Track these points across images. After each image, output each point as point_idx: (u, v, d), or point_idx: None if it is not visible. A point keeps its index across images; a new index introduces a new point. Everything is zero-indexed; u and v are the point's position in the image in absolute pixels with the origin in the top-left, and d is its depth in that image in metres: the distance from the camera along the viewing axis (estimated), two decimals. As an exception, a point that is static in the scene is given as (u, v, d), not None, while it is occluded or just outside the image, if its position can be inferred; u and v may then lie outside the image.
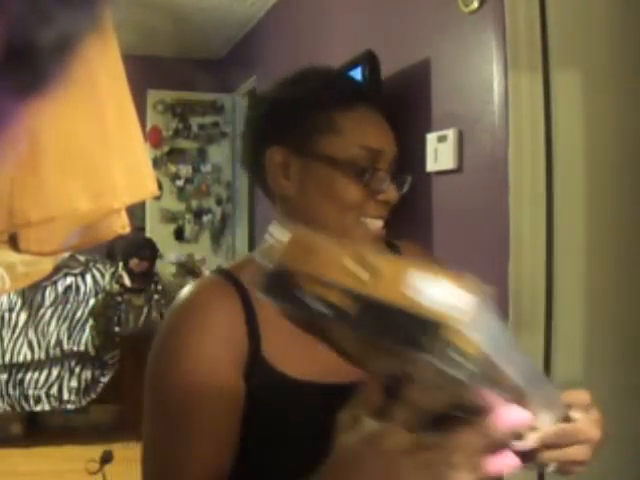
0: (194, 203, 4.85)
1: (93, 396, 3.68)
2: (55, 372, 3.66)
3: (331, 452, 0.54)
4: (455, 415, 0.52)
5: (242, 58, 4.47)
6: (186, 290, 0.84)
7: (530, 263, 1.69)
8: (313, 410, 0.76)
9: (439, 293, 0.45)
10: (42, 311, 3.70)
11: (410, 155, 2.15)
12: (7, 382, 3.60)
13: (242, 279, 0.83)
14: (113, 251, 4.04)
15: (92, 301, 3.76)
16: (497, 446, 0.51)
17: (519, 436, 0.57)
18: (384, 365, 0.54)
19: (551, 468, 0.64)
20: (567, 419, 0.63)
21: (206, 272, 4.07)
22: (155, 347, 0.82)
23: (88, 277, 3.83)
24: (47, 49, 0.22)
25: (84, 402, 3.66)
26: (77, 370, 3.69)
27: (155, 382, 0.81)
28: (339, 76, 1.01)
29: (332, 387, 0.76)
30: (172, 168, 4.80)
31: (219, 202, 4.88)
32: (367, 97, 0.91)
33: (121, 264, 3.91)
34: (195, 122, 4.85)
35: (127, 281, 3.85)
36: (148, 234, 4.56)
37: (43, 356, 3.61)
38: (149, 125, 4.69)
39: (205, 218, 4.87)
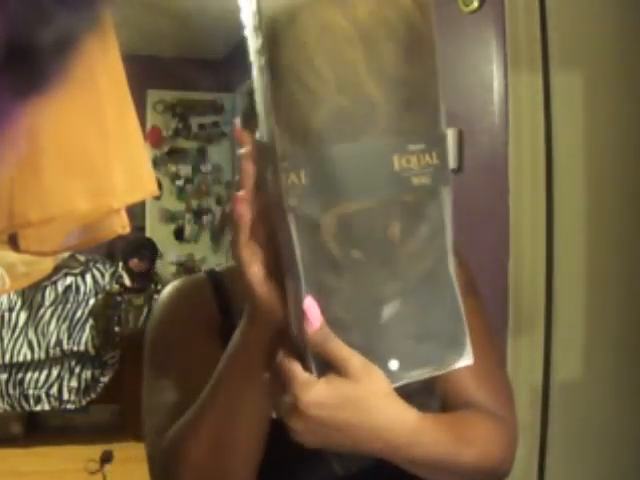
0: (194, 203, 4.85)
1: (93, 396, 3.68)
2: (55, 372, 3.66)
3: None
4: None
5: (242, 58, 4.46)
6: (168, 287, 0.96)
7: (530, 263, 1.69)
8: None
9: None
10: (42, 311, 3.70)
11: (410, 155, 2.15)
12: (7, 382, 3.60)
13: (226, 279, 0.92)
14: (113, 251, 4.04)
15: (92, 301, 3.76)
16: None
17: None
18: None
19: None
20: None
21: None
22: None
23: (88, 277, 3.83)
24: (47, 49, 0.22)
25: (84, 402, 3.66)
26: (77, 370, 3.69)
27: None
28: None
29: None
30: (172, 168, 4.80)
31: (219, 202, 4.88)
32: None
33: (121, 264, 3.91)
34: (195, 122, 4.84)
35: (127, 281, 3.85)
36: (148, 234, 4.56)
37: (43, 356, 3.61)
38: (149, 125, 4.68)
39: (205, 218, 4.86)
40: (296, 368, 0.60)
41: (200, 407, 0.74)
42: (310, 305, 0.58)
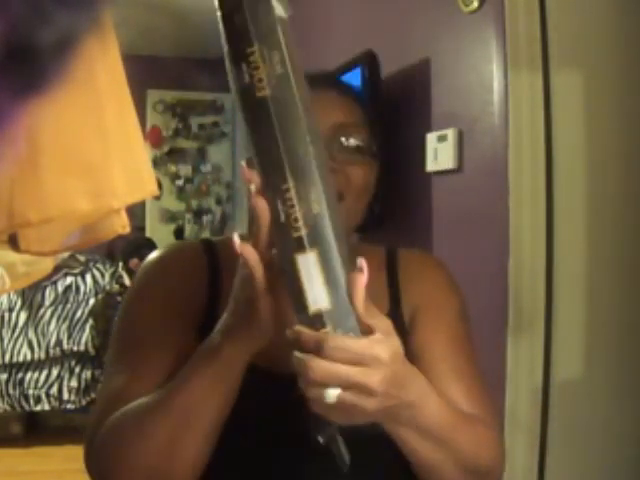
0: (194, 203, 4.85)
1: (93, 396, 3.67)
2: (55, 372, 3.66)
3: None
4: None
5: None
6: (160, 250, 0.94)
7: (530, 263, 1.69)
8: (250, 393, 0.77)
9: None
10: (42, 311, 3.69)
11: (410, 155, 2.15)
12: (7, 382, 3.60)
13: (219, 249, 0.91)
14: (113, 251, 4.04)
15: (92, 301, 3.76)
16: None
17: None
18: None
19: (331, 399, 0.59)
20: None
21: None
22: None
23: (88, 277, 3.83)
24: (47, 49, 0.22)
25: (84, 402, 3.66)
26: (77, 370, 3.69)
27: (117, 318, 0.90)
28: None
29: (276, 375, 0.77)
30: (172, 168, 4.80)
31: (219, 202, 4.88)
32: (328, 81, 0.92)
33: (121, 264, 3.91)
34: (195, 122, 4.85)
35: (127, 281, 3.85)
36: (148, 234, 4.56)
37: (43, 356, 3.61)
38: (149, 125, 4.69)
39: (205, 218, 4.86)
40: (354, 339, 0.60)
41: (154, 407, 0.73)
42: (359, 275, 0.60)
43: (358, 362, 0.58)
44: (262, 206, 0.60)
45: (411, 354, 0.68)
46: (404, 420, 0.68)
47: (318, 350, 0.58)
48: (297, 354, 0.59)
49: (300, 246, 0.59)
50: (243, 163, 0.62)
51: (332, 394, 0.58)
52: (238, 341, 0.67)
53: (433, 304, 0.91)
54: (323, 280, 0.59)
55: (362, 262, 0.60)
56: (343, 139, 0.83)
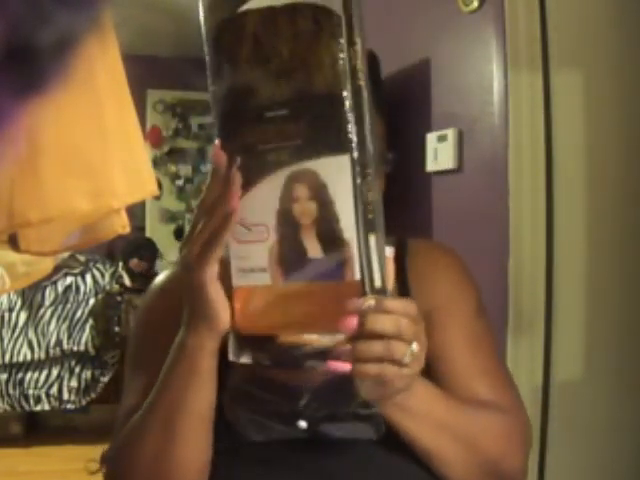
0: (194, 203, 4.85)
1: (93, 396, 3.68)
2: (55, 372, 3.66)
3: None
4: None
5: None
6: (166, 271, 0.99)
7: (530, 263, 1.69)
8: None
9: None
10: (42, 311, 3.69)
11: (410, 155, 2.15)
12: (7, 382, 3.60)
13: None
14: (113, 251, 4.04)
15: (92, 301, 3.76)
16: None
17: None
18: None
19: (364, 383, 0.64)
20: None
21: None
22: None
23: (88, 277, 3.83)
24: (47, 49, 0.22)
25: (84, 402, 3.66)
26: (77, 370, 3.69)
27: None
28: None
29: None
30: (172, 168, 4.80)
31: (219, 202, 4.88)
32: None
33: (121, 264, 3.91)
34: (195, 122, 4.85)
35: (127, 281, 3.85)
36: (148, 234, 4.56)
37: (43, 356, 3.61)
38: (149, 125, 4.69)
39: (205, 218, 4.86)
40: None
41: (149, 405, 0.76)
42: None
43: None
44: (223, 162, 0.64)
45: (428, 353, 0.69)
46: (399, 401, 0.70)
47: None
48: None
49: (372, 227, 0.63)
50: (216, 142, 0.66)
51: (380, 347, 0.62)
52: (199, 333, 0.70)
53: (447, 303, 0.89)
54: (379, 261, 0.63)
55: (391, 251, 0.64)
56: None
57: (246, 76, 0.67)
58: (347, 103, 0.61)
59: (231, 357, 0.69)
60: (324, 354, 0.64)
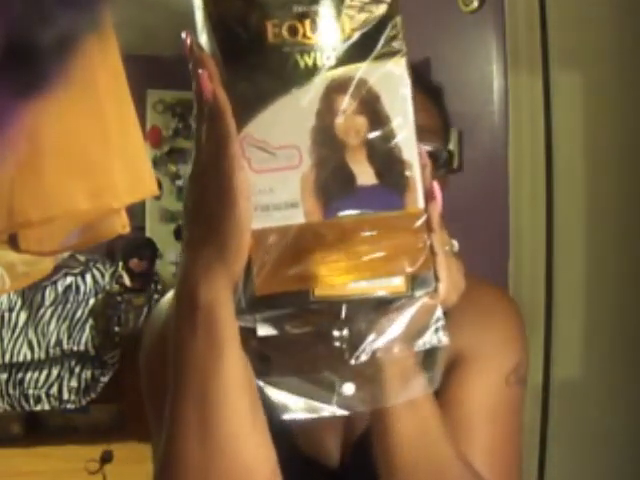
0: (194, 203, 4.85)
1: (93, 396, 3.68)
2: (55, 372, 3.66)
3: None
4: None
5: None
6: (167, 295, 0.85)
7: (530, 263, 1.69)
8: None
9: None
10: (42, 311, 3.70)
11: (410, 155, 2.15)
12: (7, 382, 3.60)
13: None
14: (113, 251, 4.04)
15: (92, 301, 3.76)
16: None
17: None
18: None
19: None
20: None
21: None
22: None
23: (88, 277, 3.83)
24: (47, 49, 0.22)
25: (84, 402, 3.66)
26: (77, 370, 3.69)
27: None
28: None
29: (323, 466, 0.74)
30: (172, 168, 4.80)
31: (219, 202, 4.88)
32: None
33: (121, 264, 3.91)
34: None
35: (127, 281, 3.85)
36: (148, 234, 4.56)
37: (43, 356, 3.61)
38: (149, 125, 4.68)
39: (205, 218, 4.86)
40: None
41: (172, 403, 0.54)
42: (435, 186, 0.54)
43: None
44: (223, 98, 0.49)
45: (440, 399, 0.60)
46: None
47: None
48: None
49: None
50: (183, 35, 0.50)
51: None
52: (213, 279, 0.49)
53: (481, 356, 0.75)
54: None
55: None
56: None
57: None
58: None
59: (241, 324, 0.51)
60: (384, 307, 0.52)
